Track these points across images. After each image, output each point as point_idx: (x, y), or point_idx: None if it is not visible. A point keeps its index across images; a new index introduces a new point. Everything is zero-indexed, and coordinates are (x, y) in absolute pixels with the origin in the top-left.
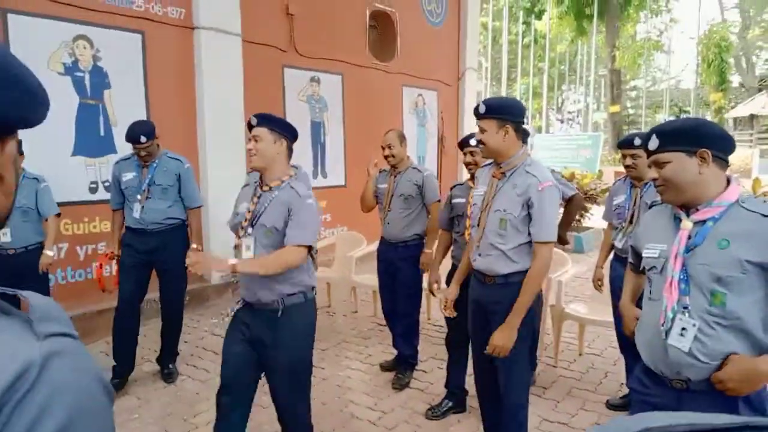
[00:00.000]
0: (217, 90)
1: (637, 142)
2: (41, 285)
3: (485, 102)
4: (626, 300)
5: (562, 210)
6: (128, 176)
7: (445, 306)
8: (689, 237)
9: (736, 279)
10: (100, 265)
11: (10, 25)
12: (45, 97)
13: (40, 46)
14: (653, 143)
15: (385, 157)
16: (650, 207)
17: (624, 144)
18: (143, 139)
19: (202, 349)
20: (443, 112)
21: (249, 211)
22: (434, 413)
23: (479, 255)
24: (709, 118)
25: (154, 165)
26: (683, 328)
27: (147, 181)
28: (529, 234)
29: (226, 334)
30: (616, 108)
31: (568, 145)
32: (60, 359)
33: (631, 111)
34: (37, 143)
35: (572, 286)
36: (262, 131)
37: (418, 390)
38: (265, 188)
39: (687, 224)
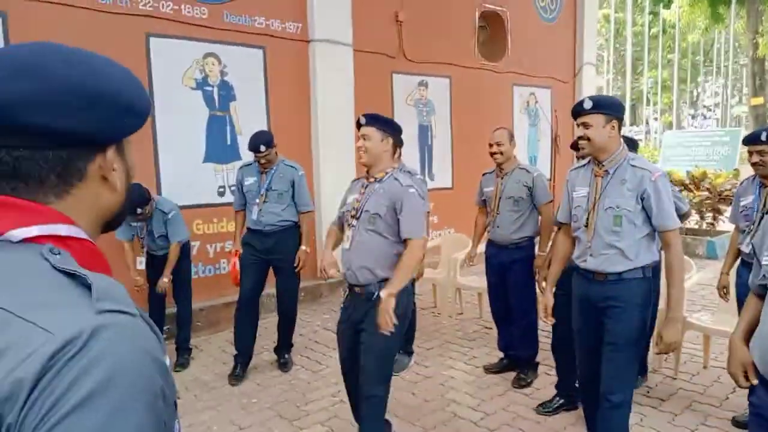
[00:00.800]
0: (330, 98)
1: (764, 137)
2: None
3: (591, 98)
4: (737, 334)
5: None
6: (249, 181)
7: (545, 314)
8: None
9: None
10: (234, 263)
11: (152, 48)
12: (131, 108)
13: (176, 65)
14: None
15: (492, 154)
16: None
17: (750, 140)
18: (262, 148)
19: (314, 342)
20: (557, 111)
21: (357, 201)
22: (545, 409)
23: (590, 256)
24: None
25: (272, 171)
26: None
27: (265, 186)
28: (650, 226)
29: (338, 324)
30: (759, 100)
31: (702, 141)
32: (109, 331)
33: None
34: (175, 151)
35: (700, 294)
36: (370, 130)
37: (523, 394)
38: (371, 180)
39: None
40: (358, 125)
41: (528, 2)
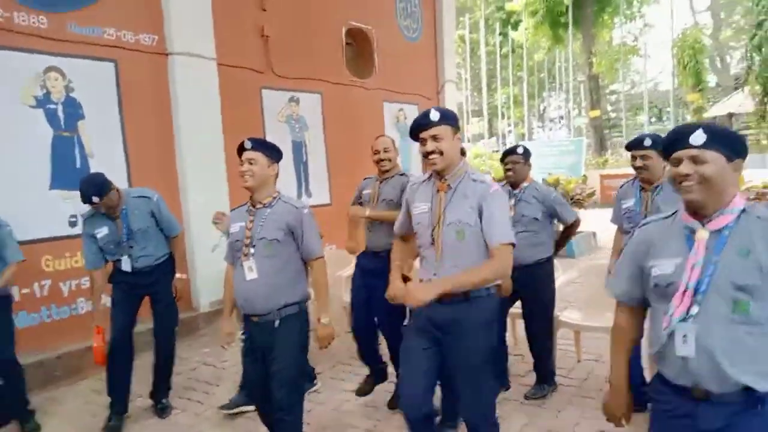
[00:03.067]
0: (194, 115)
1: (648, 142)
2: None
3: (438, 109)
4: (622, 376)
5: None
6: (102, 231)
7: None
8: (706, 247)
9: (758, 286)
10: (99, 342)
11: None
12: None
13: (11, 80)
14: (699, 138)
15: (379, 161)
16: (641, 226)
17: (634, 145)
18: (95, 199)
19: (194, 380)
20: None
21: (248, 230)
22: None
23: (435, 275)
24: (688, 118)
25: (125, 213)
26: (684, 335)
27: (125, 233)
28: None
29: (242, 352)
30: (596, 113)
31: (552, 151)
32: None
33: (612, 114)
34: (13, 177)
35: (566, 292)
36: (257, 155)
37: None
38: (259, 206)
39: (704, 234)
40: (242, 149)
41: (392, 21)
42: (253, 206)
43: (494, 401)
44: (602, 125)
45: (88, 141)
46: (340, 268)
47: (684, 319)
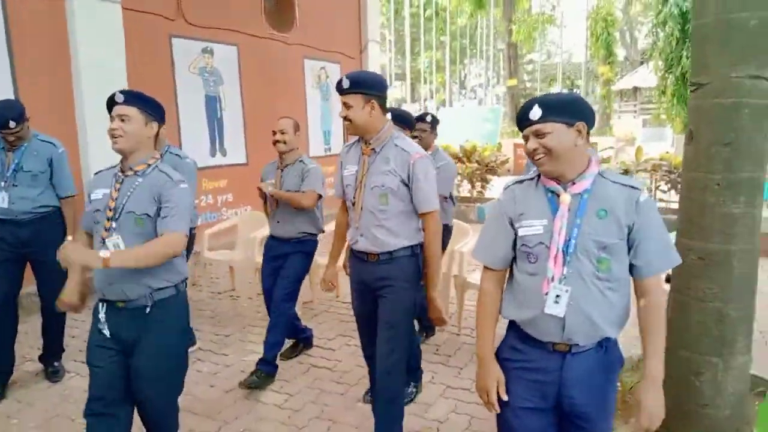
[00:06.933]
0: (97, 62)
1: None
2: None
3: (349, 76)
4: (488, 347)
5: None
6: None
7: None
8: (568, 210)
9: (617, 245)
10: None
11: None
12: None
13: None
14: (536, 113)
15: (275, 143)
16: (505, 188)
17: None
18: (12, 124)
19: None
20: None
21: (112, 200)
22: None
23: (361, 236)
24: (598, 89)
25: (23, 148)
26: (557, 296)
27: (13, 166)
28: (411, 203)
29: (89, 341)
30: (513, 81)
31: (470, 118)
32: None
33: (528, 84)
34: None
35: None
36: (132, 111)
37: (326, 369)
38: (129, 173)
39: (567, 198)
40: (112, 103)
41: None
42: (122, 172)
43: (404, 359)
44: (518, 94)
45: None
46: (253, 230)
47: (559, 281)
